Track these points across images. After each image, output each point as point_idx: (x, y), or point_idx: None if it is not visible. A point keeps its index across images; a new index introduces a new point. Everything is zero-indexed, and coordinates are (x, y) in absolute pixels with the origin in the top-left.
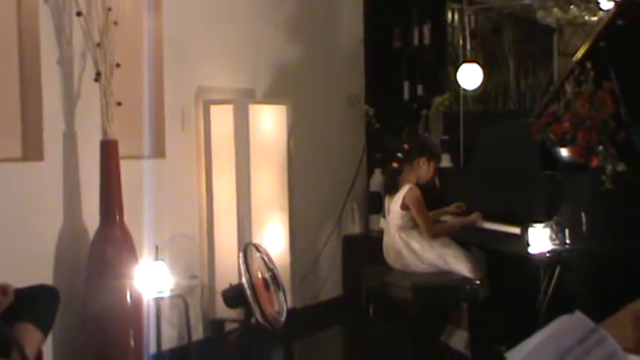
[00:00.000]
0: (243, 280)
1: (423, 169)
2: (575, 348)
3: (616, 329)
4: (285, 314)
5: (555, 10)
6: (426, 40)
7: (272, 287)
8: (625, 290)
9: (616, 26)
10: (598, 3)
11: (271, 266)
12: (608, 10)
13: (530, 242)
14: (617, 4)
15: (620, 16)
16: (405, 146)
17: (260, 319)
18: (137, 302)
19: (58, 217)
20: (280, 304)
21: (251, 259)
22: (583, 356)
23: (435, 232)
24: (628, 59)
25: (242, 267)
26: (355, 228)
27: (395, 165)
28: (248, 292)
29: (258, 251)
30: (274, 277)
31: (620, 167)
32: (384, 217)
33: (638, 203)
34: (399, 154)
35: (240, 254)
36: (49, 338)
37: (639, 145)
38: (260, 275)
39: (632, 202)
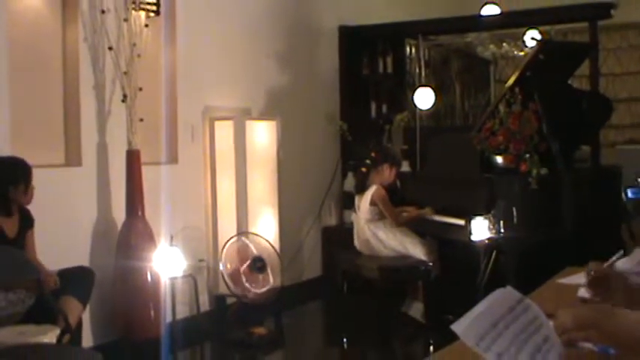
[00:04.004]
0: (220, 267)
1: (387, 173)
2: (506, 316)
3: (539, 299)
4: (266, 289)
5: (491, 46)
6: (389, 69)
7: (255, 269)
8: (546, 269)
9: (539, 60)
10: (524, 41)
11: (259, 253)
12: (532, 47)
13: (472, 231)
14: (539, 43)
15: (541, 52)
16: (372, 154)
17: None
18: (156, 281)
19: (93, 212)
20: (266, 282)
21: (227, 256)
22: (512, 322)
23: (400, 222)
24: (548, 86)
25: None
26: (332, 220)
27: (363, 169)
28: (225, 279)
29: (250, 239)
30: (260, 260)
31: (543, 171)
32: (355, 212)
33: (557, 200)
34: (367, 161)
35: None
36: (87, 309)
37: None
38: (248, 261)
39: (552, 199)
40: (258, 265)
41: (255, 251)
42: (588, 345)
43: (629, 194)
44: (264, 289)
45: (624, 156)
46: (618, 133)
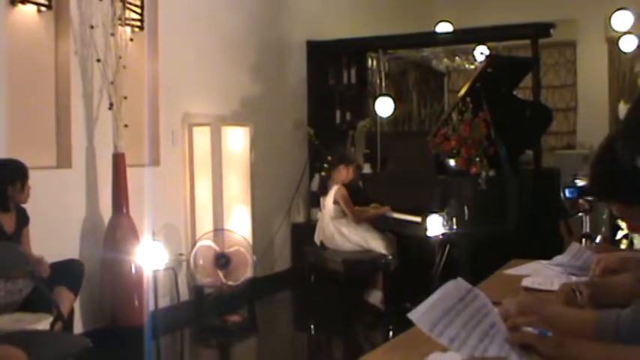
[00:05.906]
0: (191, 263)
1: (343, 173)
2: (456, 305)
3: (487, 289)
4: (234, 283)
5: (445, 59)
6: (352, 80)
7: (219, 266)
8: (494, 261)
9: (487, 73)
10: (474, 56)
11: (222, 250)
12: (481, 61)
13: (428, 227)
14: (487, 57)
15: (489, 66)
16: (329, 158)
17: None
18: (139, 272)
19: (82, 210)
20: (238, 275)
21: (197, 253)
22: (462, 310)
23: (359, 219)
24: (495, 96)
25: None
26: (300, 218)
27: (324, 173)
28: (194, 273)
29: (224, 235)
30: (223, 257)
31: (491, 173)
32: (321, 210)
33: (504, 199)
34: (325, 165)
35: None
36: (78, 298)
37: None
38: (213, 258)
39: (500, 198)
40: (221, 261)
41: (218, 249)
42: (529, 329)
43: (567, 194)
44: (235, 283)
45: (562, 159)
46: (557, 138)
